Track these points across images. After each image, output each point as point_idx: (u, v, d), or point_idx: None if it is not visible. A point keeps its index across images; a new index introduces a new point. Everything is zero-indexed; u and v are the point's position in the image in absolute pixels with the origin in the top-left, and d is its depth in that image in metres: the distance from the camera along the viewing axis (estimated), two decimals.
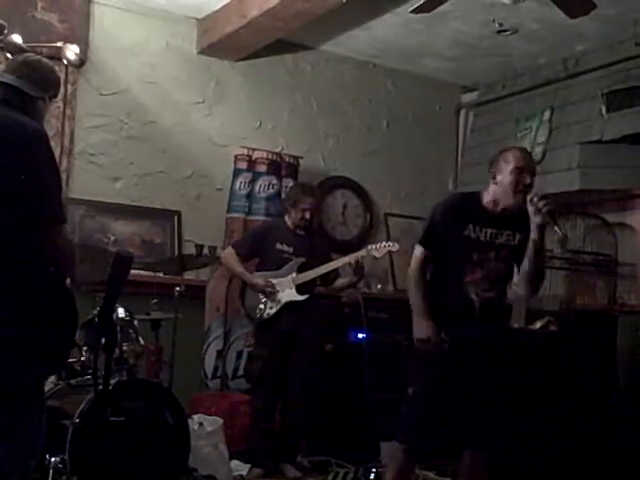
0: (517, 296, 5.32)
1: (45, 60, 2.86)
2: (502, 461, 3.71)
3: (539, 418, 4.65)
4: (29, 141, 2.51)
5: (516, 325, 5.45)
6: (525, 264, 3.37)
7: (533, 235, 3.31)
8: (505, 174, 3.40)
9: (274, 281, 4.64)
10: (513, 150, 3.50)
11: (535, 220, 3.28)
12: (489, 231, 3.43)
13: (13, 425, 2.49)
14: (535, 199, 3.25)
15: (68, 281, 2.66)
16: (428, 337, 3.33)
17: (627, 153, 5.42)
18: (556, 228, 3.32)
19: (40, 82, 2.71)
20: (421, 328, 3.36)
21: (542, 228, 3.29)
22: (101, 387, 3.38)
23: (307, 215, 4.70)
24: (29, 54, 3.01)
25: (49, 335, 2.51)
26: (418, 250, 3.46)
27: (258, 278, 4.67)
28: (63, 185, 2.78)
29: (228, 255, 4.79)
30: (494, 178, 3.42)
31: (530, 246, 3.34)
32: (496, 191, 3.43)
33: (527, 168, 3.41)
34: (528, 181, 3.37)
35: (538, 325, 5.30)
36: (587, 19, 4.40)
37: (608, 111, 5.43)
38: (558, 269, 5.54)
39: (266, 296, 4.61)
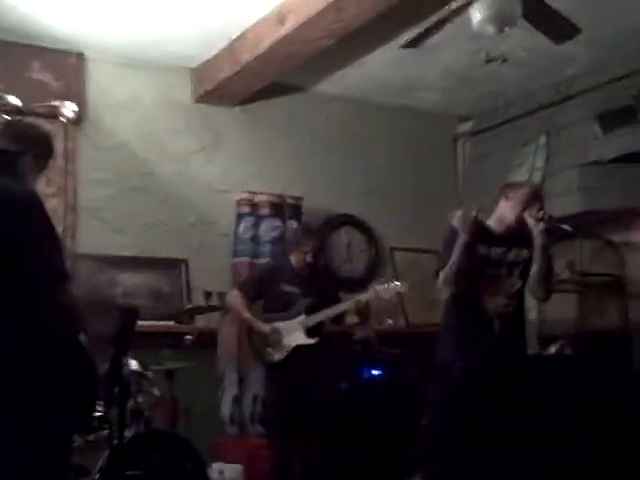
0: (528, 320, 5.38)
1: (29, 121, 2.87)
2: None
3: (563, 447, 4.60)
4: (18, 206, 2.43)
5: (530, 351, 5.43)
6: (534, 268, 3.60)
7: (538, 242, 3.55)
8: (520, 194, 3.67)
9: (282, 325, 4.63)
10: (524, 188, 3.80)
11: (538, 228, 3.52)
12: (499, 249, 3.66)
13: None
14: (533, 212, 3.51)
15: (82, 337, 2.65)
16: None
17: (626, 172, 5.43)
18: (564, 226, 3.52)
19: (22, 139, 2.67)
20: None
21: (546, 232, 3.52)
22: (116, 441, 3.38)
23: (309, 258, 4.72)
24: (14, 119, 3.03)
25: (73, 393, 2.47)
26: (441, 276, 3.66)
27: (264, 325, 4.65)
28: (66, 241, 2.72)
29: (234, 298, 4.79)
30: (506, 196, 3.66)
31: (537, 252, 3.58)
32: (502, 208, 3.67)
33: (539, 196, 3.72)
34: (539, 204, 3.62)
35: (553, 349, 5.28)
36: (573, 43, 4.43)
37: (604, 132, 5.46)
38: (568, 292, 5.53)
39: (274, 342, 4.59)
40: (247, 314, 4.73)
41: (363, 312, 4.77)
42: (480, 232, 3.64)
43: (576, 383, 4.79)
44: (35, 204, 2.47)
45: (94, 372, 2.63)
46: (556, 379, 4.80)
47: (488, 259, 3.65)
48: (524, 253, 3.67)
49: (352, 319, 4.87)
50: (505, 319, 3.65)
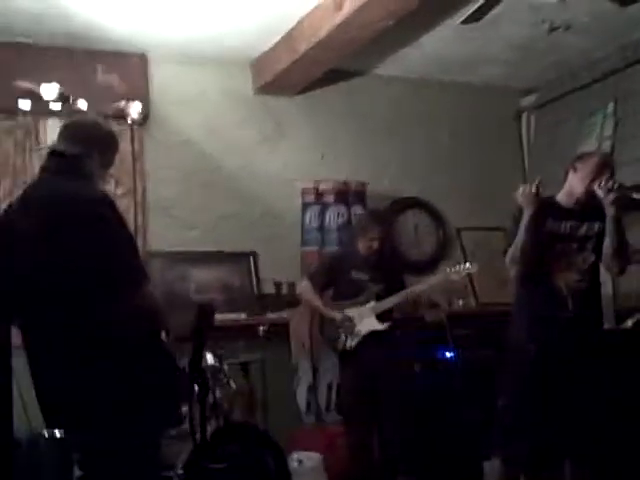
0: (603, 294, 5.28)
1: (88, 117, 2.88)
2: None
3: None
4: (91, 210, 2.48)
5: (606, 325, 5.33)
6: (607, 241, 3.51)
7: (610, 213, 3.45)
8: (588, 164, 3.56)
9: (353, 312, 4.66)
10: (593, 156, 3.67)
11: (609, 198, 3.41)
12: (569, 224, 3.58)
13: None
14: (602, 182, 3.41)
15: (163, 334, 2.69)
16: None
17: None
18: (636, 195, 3.45)
19: (83, 139, 2.68)
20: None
21: (617, 202, 3.42)
22: (199, 436, 3.46)
23: (375, 245, 4.71)
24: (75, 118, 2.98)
25: (161, 390, 2.56)
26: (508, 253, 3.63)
27: (336, 312, 4.69)
28: (139, 241, 2.73)
29: (305, 288, 4.83)
30: (574, 168, 3.57)
31: (609, 224, 3.48)
32: (571, 180, 3.58)
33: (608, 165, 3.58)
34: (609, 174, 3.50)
35: (630, 323, 5.17)
36: (639, 5, 4.31)
37: None
38: None
39: (347, 328, 4.63)
40: (318, 303, 4.77)
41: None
42: (548, 206, 3.58)
43: None
44: (108, 206, 2.52)
45: (177, 369, 2.69)
46: (635, 354, 4.72)
47: (557, 234, 3.57)
48: (596, 226, 3.57)
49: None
50: (579, 295, 3.56)
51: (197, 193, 5.32)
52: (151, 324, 2.58)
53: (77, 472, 2.60)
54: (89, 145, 2.67)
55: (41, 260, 2.47)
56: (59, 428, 2.97)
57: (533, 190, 3.50)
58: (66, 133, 2.73)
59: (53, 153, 2.68)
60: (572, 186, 3.60)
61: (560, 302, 3.54)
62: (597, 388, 3.53)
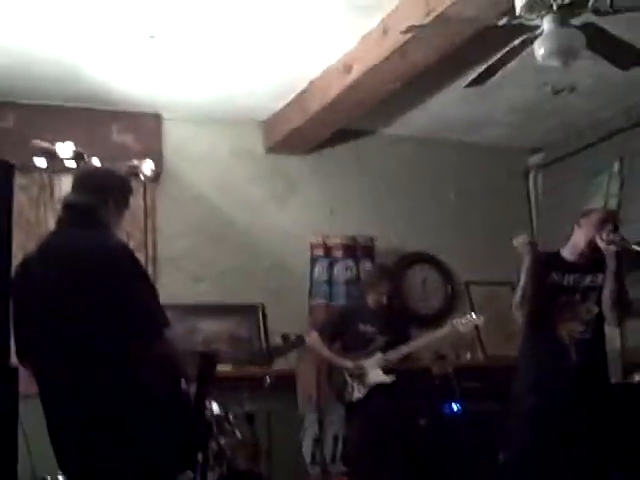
0: (610, 349, 5.27)
1: (99, 166, 2.92)
2: None
3: None
4: (111, 259, 2.49)
5: (613, 380, 5.31)
6: (606, 292, 3.56)
7: (610, 265, 3.51)
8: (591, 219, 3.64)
9: (362, 363, 4.71)
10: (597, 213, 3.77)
11: (609, 250, 3.48)
12: (572, 276, 3.64)
13: None
14: (604, 235, 3.48)
15: (183, 382, 2.66)
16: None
17: None
18: (634, 247, 3.47)
19: (96, 188, 2.69)
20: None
21: (619, 255, 3.47)
22: None
23: (384, 299, 4.80)
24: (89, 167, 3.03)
25: (178, 435, 2.55)
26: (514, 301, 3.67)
27: (347, 361, 4.74)
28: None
29: (314, 339, 4.90)
30: (579, 224, 3.66)
31: (608, 275, 3.53)
32: (576, 235, 3.66)
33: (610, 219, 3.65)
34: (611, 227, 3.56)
35: (637, 378, 5.16)
36: None
37: None
38: None
39: (356, 378, 4.67)
40: (328, 352, 4.83)
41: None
42: (552, 260, 3.67)
43: None
44: (127, 254, 2.56)
45: (202, 418, 2.76)
46: None
47: (561, 286, 3.64)
48: (600, 278, 3.62)
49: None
50: (582, 346, 3.59)
51: (207, 247, 5.43)
52: (173, 372, 2.58)
53: None
54: (102, 193, 2.68)
55: (60, 309, 2.47)
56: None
57: (528, 240, 3.58)
58: (79, 183, 2.76)
59: (68, 205, 2.71)
60: (576, 240, 3.69)
61: (563, 352, 3.57)
62: (600, 441, 3.51)
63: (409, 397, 4.78)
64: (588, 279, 3.66)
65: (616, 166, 5.91)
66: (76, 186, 2.76)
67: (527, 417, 3.54)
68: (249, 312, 5.47)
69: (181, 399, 2.62)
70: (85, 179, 2.81)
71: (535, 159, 6.72)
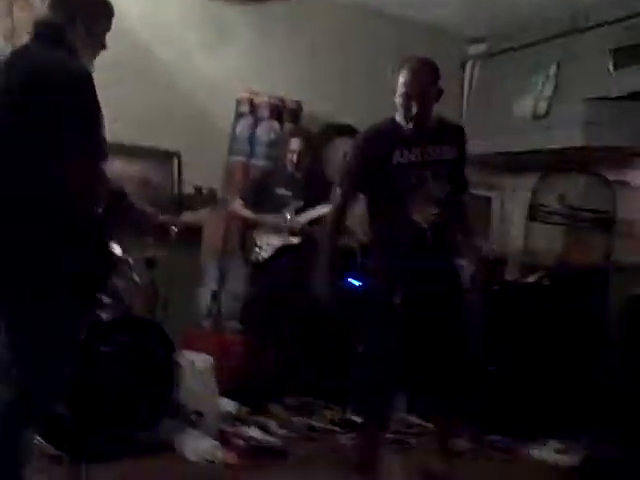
0: (513, 248, 5.44)
1: None
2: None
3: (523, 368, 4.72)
4: (66, 82, 2.43)
5: (509, 277, 5.51)
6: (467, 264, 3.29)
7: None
8: (397, 93, 3.13)
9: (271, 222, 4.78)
10: (407, 66, 3.17)
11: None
12: (418, 150, 3.15)
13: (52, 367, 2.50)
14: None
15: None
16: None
17: (633, 111, 5.37)
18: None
19: (64, 4, 2.58)
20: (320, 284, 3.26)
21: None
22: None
23: (294, 157, 4.77)
24: None
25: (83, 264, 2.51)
26: (335, 194, 3.27)
27: (269, 217, 4.82)
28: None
29: (238, 206, 4.90)
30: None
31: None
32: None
33: (413, 93, 3.12)
34: (415, 111, 3.12)
35: (531, 279, 5.35)
36: None
37: (616, 68, 5.35)
38: (556, 224, 5.57)
39: (264, 238, 4.68)
40: (253, 216, 4.86)
41: None
42: (391, 138, 3.17)
43: (548, 313, 4.88)
44: (84, 82, 2.47)
45: (108, 252, 2.73)
46: (529, 307, 4.89)
47: (408, 164, 3.14)
48: (447, 151, 3.18)
49: None
50: (438, 228, 3.14)
51: (127, 84, 5.11)
52: (91, 199, 2.53)
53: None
54: (69, 10, 2.56)
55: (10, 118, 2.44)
56: None
57: None
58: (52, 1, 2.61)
59: (36, 21, 2.61)
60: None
61: (420, 238, 3.13)
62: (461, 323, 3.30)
63: (311, 264, 4.81)
64: (434, 151, 3.17)
65: (553, 69, 5.87)
66: (50, 2, 2.62)
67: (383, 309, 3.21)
68: (164, 158, 5.32)
69: (92, 227, 2.57)
70: None
71: (475, 49, 6.62)
